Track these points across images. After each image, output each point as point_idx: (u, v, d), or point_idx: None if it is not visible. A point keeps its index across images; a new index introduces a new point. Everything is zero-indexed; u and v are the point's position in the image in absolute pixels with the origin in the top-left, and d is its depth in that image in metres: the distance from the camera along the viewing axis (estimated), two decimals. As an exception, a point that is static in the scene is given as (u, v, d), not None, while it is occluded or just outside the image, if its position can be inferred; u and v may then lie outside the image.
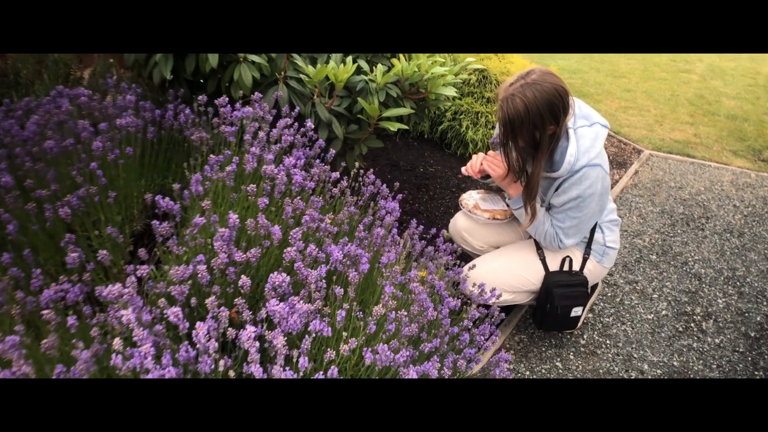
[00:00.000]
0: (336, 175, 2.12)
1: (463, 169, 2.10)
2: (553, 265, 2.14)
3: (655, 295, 2.71)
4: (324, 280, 1.46)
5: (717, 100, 5.61)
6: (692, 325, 2.55)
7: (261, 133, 1.92)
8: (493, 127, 3.69)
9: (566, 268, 2.15)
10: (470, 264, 2.19)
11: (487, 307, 2.16)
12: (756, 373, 2.32)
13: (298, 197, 1.77)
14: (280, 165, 1.85)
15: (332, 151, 2.12)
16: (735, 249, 3.15)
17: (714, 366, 2.33)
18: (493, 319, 1.89)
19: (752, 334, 2.53)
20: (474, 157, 2.09)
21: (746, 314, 2.65)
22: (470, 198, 2.25)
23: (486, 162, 2.03)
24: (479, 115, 3.72)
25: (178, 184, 1.80)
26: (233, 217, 1.47)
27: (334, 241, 1.83)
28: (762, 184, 3.96)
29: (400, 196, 2.24)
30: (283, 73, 2.22)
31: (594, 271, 2.19)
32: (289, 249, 1.43)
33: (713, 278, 2.88)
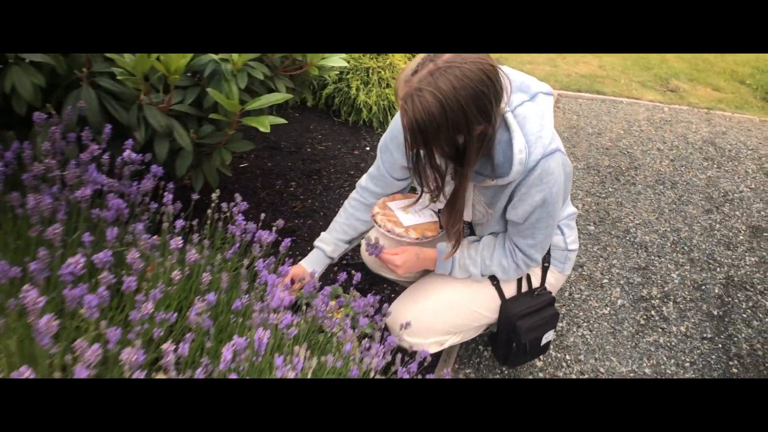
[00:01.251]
0: (176, 205, 1.41)
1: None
2: (509, 288, 1.60)
3: (605, 280, 2.30)
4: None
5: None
6: (653, 313, 2.17)
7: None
8: (388, 86, 3.04)
9: (525, 287, 1.62)
10: (392, 306, 1.60)
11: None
12: (731, 362, 1.98)
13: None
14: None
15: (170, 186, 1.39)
16: (672, 204, 2.81)
17: (687, 364, 1.96)
18: (423, 362, 1.38)
19: (715, 312, 2.20)
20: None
21: (703, 287, 2.31)
22: (385, 210, 1.61)
23: (385, 260, 1.52)
24: (370, 71, 3.04)
25: None
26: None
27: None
28: (677, 118, 3.68)
29: (280, 222, 1.57)
30: (85, 70, 1.42)
31: (556, 283, 1.68)
32: None
33: (660, 246, 2.52)
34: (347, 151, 2.89)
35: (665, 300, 2.24)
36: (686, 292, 2.28)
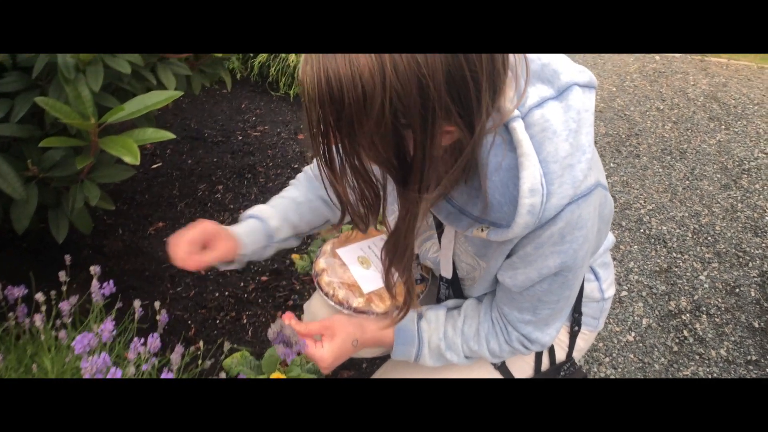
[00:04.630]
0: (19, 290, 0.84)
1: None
2: (522, 370, 1.10)
3: (624, 292, 1.84)
4: None
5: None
6: (685, 333, 1.73)
7: None
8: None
9: (546, 365, 1.12)
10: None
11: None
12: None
13: None
14: None
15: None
16: (685, 180, 2.35)
17: (737, 404, 1.54)
18: None
19: (756, 324, 1.78)
20: None
21: (737, 290, 1.89)
22: (334, 265, 1.06)
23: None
24: (313, 31, 2.42)
25: None
26: None
27: None
28: (671, 68, 3.20)
29: (164, 317, 1.01)
30: None
31: (585, 345, 1.18)
32: None
33: (680, 238, 2.07)
34: (288, 135, 2.30)
35: (697, 313, 1.80)
36: (719, 299, 1.85)
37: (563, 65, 0.76)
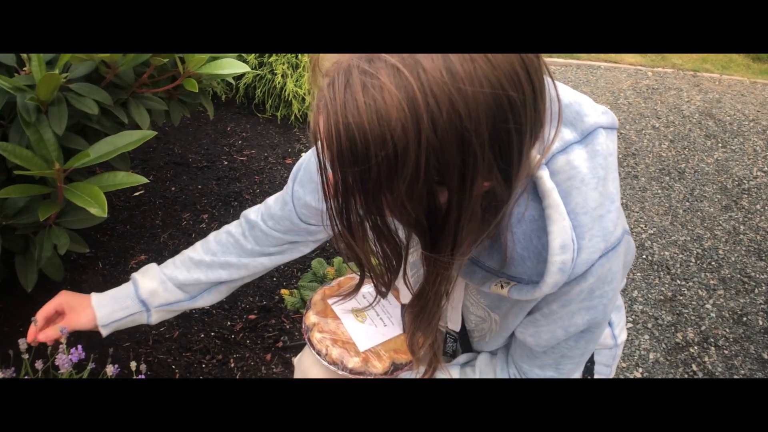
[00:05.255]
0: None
1: None
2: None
3: (629, 324, 1.76)
4: None
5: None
6: (694, 368, 1.65)
7: None
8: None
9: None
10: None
11: None
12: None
13: None
14: None
15: None
16: (685, 201, 2.29)
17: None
18: None
19: (765, 356, 1.71)
20: None
21: (744, 319, 1.82)
22: (326, 316, 0.97)
23: None
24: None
25: None
26: None
27: None
28: (664, 84, 3.15)
29: None
30: None
31: (598, 394, 1.10)
32: None
33: (684, 264, 2.00)
34: (276, 160, 2.21)
35: (705, 346, 1.73)
36: (727, 329, 1.78)
37: (587, 106, 0.68)
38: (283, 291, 1.65)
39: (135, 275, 0.94)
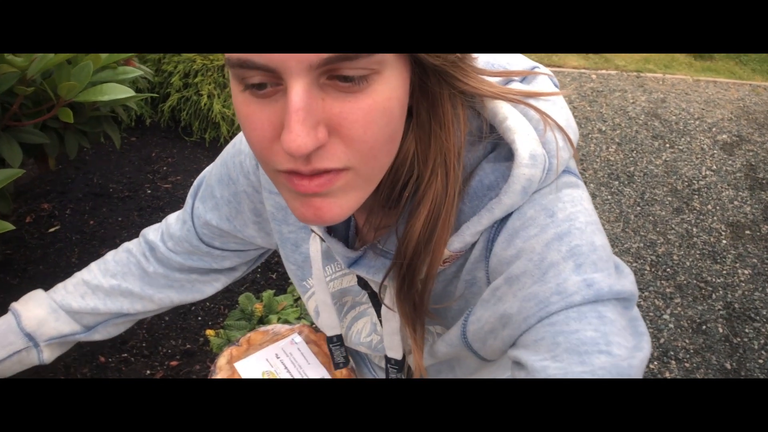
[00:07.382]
0: None
1: None
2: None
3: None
4: None
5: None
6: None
7: None
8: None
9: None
10: None
11: None
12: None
13: None
14: None
15: None
16: (636, 206, 2.23)
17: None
18: None
19: (728, 365, 1.64)
20: None
21: (704, 327, 1.75)
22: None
23: None
24: (226, 70, 2.18)
25: None
26: None
27: None
28: (609, 87, 3.12)
29: None
30: None
31: None
32: None
33: (638, 272, 1.93)
34: (206, 187, 2.05)
35: (665, 360, 1.64)
36: (687, 340, 1.70)
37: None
38: (209, 332, 1.49)
39: (14, 305, 0.75)
